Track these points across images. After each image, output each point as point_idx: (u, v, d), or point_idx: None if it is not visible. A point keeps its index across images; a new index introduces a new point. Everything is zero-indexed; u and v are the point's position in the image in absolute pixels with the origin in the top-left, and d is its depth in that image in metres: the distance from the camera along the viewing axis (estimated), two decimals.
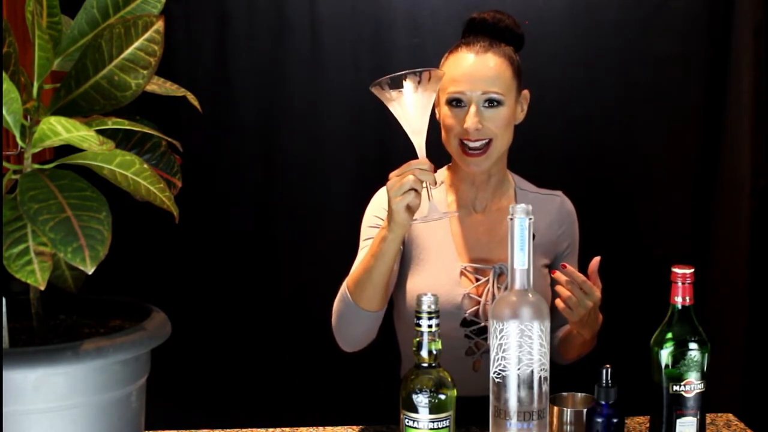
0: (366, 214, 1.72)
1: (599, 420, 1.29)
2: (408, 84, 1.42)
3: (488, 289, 1.63)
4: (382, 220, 1.66)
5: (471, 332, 1.64)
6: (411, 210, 1.44)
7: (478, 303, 1.63)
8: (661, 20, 2.23)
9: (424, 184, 1.44)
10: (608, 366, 1.29)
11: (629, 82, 2.25)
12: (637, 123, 2.27)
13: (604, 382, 1.29)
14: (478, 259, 1.67)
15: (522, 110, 1.69)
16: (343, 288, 1.60)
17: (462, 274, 1.65)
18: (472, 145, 1.60)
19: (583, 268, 1.60)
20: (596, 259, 1.52)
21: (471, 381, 1.57)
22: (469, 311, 1.63)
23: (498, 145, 1.62)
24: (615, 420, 1.29)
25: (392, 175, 1.46)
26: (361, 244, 1.69)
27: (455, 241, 1.68)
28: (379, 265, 1.51)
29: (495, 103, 1.60)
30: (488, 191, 1.72)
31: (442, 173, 1.76)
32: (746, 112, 2.21)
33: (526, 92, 1.69)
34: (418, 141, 1.46)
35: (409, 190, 1.42)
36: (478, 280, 1.65)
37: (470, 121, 1.58)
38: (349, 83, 2.24)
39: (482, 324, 1.63)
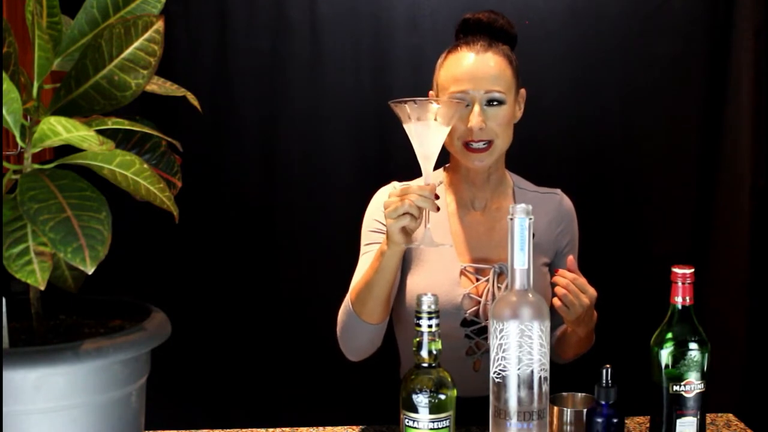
0: (365, 217, 1.72)
1: (599, 420, 1.29)
2: (430, 110, 1.38)
3: (488, 289, 1.63)
4: (381, 223, 1.66)
5: (471, 332, 1.64)
6: (407, 231, 1.42)
7: (478, 303, 1.63)
8: (661, 20, 2.23)
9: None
10: (608, 366, 1.29)
11: (629, 82, 2.25)
12: (637, 123, 2.27)
13: (604, 382, 1.29)
14: (477, 259, 1.67)
15: (520, 109, 1.69)
16: (347, 300, 1.60)
17: (462, 273, 1.65)
18: (475, 145, 1.60)
19: (583, 267, 1.60)
20: (570, 258, 1.54)
21: (471, 381, 1.57)
22: (469, 311, 1.63)
23: (499, 143, 1.62)
24: (615, 420, 1.29)
25: (393, 194, 1.44)
26: (363, 249, 1.69)
27: (455, 241, 1.68)
28: (379, 279, 1.51)
29: (497, 103, 1.60)
30: (487, 191, 1.72)
31: (440, 173, 1.76)
32: (746, 112, 2.21)
33: (523, 91, 1.69)
34: (427, 166, 1.43)
35: (405, 214, 1.39)
36: (478, 279, 1.65)
37: (474, 120, 1.58)
38: (349, 83, 2.24)
39: (482, 324, 1.63)
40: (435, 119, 1.39)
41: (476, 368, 1.66)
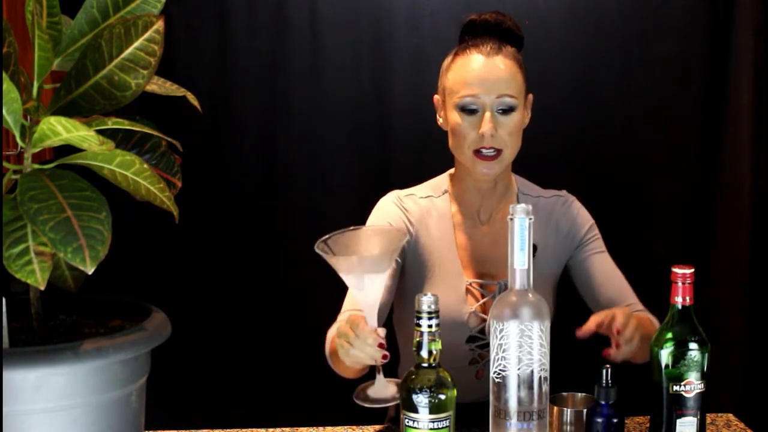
0: (367, 223, 1.70)
1: (599, 420, 1.29)
2: (368, 245, 1.26)
3: None
4: None
5: (476, 346, 1.63)
6: (360, 364, 1.37)
7: (484, 321, 1.61)
8: (661, 20, 2.23)
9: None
10: (608, 366, 1.29)
11: (629, 82, 2.25)
12: (637, 123, 2.27)
13: (604, 382, 1.29)
14: (483, 274, 1.64)
15: (528, 114, 1.65)
16: (327, 341, 1.57)
17: (467, 290, 1.63)
18: (485, 152, 1.56)
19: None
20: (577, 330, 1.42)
21: (474, 388, 1.56)
22: (474, 328, 1.62)
23: (508, 153, 1.59)
24: (615, 420, 1.29)
25: (346, 323, 1.34)
26: None
27: (460, 255, 1.65)
28: (344, 365, 1.45)
29: (508, 109, 1.56)
30: (494, 199, 1.68)
31: (445, 181, 1.71)
32: (746, 112, 2.22)
33: (530, 96, 1.66)
34: (369, 313, 1.29)
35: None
36: (483, 296, 1.62)
37: (485, 126, 1.53)
38: (349, 83, 2.24)
39: (487, 340, 1.61)
40: (374, 256, 1.26)
41: (479, 376, 1.64)
